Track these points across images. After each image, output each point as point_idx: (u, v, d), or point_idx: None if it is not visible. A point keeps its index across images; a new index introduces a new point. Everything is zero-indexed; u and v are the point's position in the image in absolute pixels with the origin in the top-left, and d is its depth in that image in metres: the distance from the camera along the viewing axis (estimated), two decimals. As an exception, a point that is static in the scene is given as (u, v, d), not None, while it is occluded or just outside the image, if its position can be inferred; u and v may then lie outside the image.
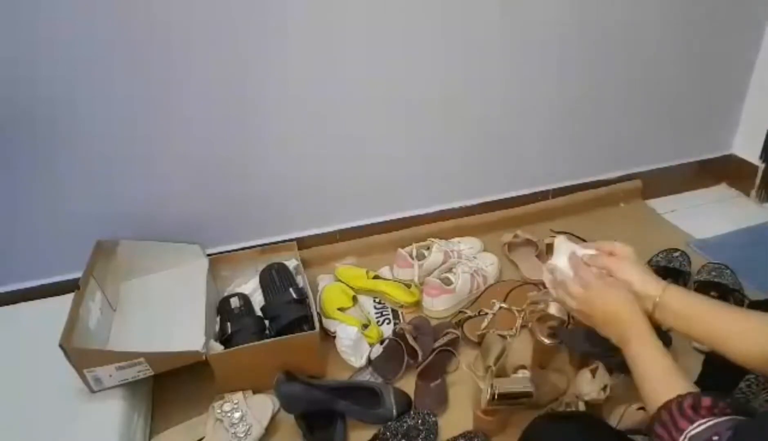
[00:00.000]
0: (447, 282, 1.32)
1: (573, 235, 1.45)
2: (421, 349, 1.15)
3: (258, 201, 1.39)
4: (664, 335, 0.77)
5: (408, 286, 1.36)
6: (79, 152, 1.20)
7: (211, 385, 1.10)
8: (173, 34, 1.14)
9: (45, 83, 1.11)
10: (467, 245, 1.50)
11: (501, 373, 1.04)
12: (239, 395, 1.08)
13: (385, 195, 1.50)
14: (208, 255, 1.36)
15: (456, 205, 1.58)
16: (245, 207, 1.39)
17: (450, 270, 1.37)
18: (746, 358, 0.68)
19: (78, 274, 1.12)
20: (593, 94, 1.52)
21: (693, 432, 0.57)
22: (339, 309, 1.27)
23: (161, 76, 1.17)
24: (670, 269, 1.32)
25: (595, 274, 0.82)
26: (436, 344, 1.18)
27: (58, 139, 1.18)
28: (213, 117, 1.25)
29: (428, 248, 1.45)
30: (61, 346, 0.94)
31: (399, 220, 1.54)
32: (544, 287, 1.34)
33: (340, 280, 1.38)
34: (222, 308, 1.27)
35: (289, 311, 1.18)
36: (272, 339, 1.14)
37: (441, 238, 1.49)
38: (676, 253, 1.37)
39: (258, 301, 1.30)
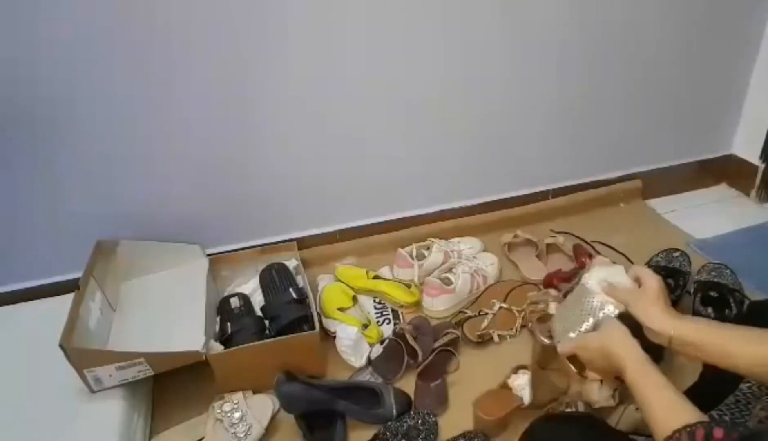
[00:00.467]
0: (447, 282, 1.32)
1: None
2: (421, 349, 1.15)
3: (258, 201, 1.39)
4: (656, 350, 0.77)
5: (408, 286, 1.36)
6: (79, 152, 1.20)
7: (211, 385, 1.10)
8: (173, 34, 1.14)
9: (45, 83, 1.11)
10: (467, 245, 1.50)
11: None
12: (239, 395, 1.08)
13: (385, 195, 1.50)
14: (208, 255, 1.36)
15: (456, 205, 1.58)
16: (245, 207, 1.39)
17: (450, 270, 1.37)
18: None
19: (78, 274, 1.12)
20: (593, 94, 1.52)
21: None
22: (339, 309, 1.27)
23: (161, 76, 1.17)
24: (670, 269, 1.32)
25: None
26: (436, 344, 1.18)
27: (58, 139, 1.18)
28: (213, 117, 1.25)
29: (428, 248, 1.45)
30: (61, 346, 0.94)
31: (399, 220, 1.54)
32: (544, 287, 1.34)
33: (340, 280, 1.38)
34: (222, 308, 1.27)
35: (289, 311, 1.18)
36: (272, 339, 1.14)
37: (441, 238, 1.49)
38: (676, 253, 1.37)
39: (258, 301, 1.30)
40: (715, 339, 0.73)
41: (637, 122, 1.62)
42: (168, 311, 1.21)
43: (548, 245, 1.49)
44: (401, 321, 1.31)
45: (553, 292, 1.29)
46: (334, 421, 1.05)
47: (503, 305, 1.29)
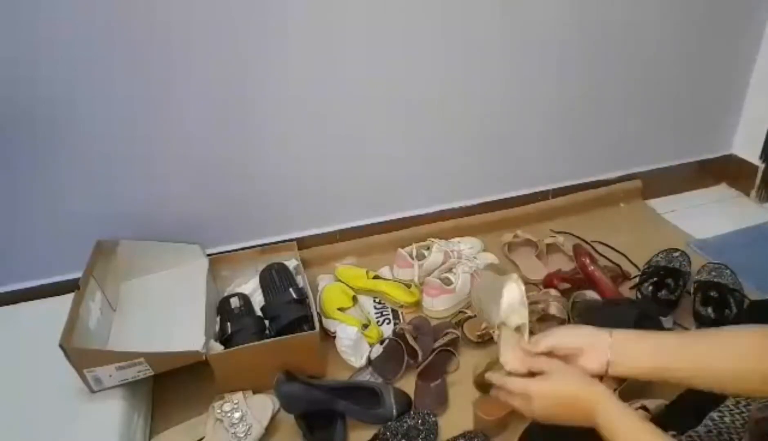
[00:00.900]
0: (447, 282, 1.32)
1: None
2: (421, 349, 1.15)
3: (258, 201, 1.39)
4: None
5: (408, 286, 1.36)
6: (79, 152, 1.20)
7: (211, 385, 1.10)
8: (173, 34, 1.14)
9: (45, 83, 1.11)
10: (467, 245, 1.50)
11: None
12: (239, 395, 1.08)
13: (385, 195, 1.50)
14: (208, 255, 1.36)
15: (456, 205, 1.58)
16: (245, 207, 1.39)
17: (450, 270, 1.37)
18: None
19: (78, 274, 1.12)
20: (593, 94, 1.52)
21: None
22: (339, 309, 1.27)
23: (161, 76, 1.17)
24: (670, 269, 1.32)
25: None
26: (436, 344, 1.18)
27: (58, 139, 1.18)
28: (213, 117, 1.25)
29: (428, 248, 1.45)
30: (61, 346, 0.94)
31: (399, 220, 1.54)
32: (544, 287, 1.34)
33: (340, 280, 1.38)
34: (222, 308, 1.27)
35: (289, 311, 1.18)
36: (272, 339, 1.14)
37: (441, 238, 1.49)
38: (676, 253, 1.37)
39: (258, 301, 1.30)
40: (660, 342, 0.70)
41: (637, 122, 1.62)
42: (168, 311, 1.21)
43: (548, 245, 1.49)
44: (401, 321, 1.31)
45: (553, 291, 1.29)
46: (334, 421, 1.05)
47: (503, 305, 1.28)
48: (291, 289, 1.24)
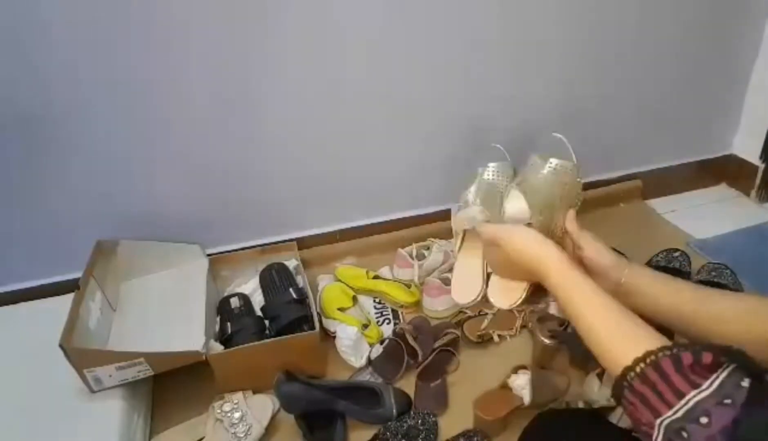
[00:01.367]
0: (447, 282, 1.32)
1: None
2: (421, 349, 1.15)
3: (258, 201, 1.39)
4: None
5: (408, 286, 1.36)
6: (79, 152, 1.20)
7: (211, 385, 1.10)
8: (173, 35, 1.13)
9: (45, 83, 1.11)
10: (467, 245, 1.50)
11: None
12: (239, 395, 1.08)
13: (385, 195, 1.50)
14: (208, 255, 1.36)
15: (456, 205, 1.57)
16: (245, 207, 1.39)
17: (450, 270, 1.37)
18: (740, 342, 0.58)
19: (78, 274, 1.12)
20: (593, 94, 1.52)
21: (700, 397, 0.47)
22: (339, 309, 1.27)
23: (161, 76, 1.17)
24: (670, 269, 1.32)
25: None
26: (436, 344, 1.18)
27: (58, 139, 1.17)
28: (213, 117, 1.25)
29: (428, 248, 1.45)
30: (61, 346, 0.94)
31: (399, 220, 1.54)
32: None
33: (340, 280, 1.38)
34: (222, 308, 1.27)
35: (289, 311, 1.18)
36: (272, 339, 1.14)
37: (441, 238, 1.49)
38: (676, 253, 1.37)
39: (258, 301, 1.30)
40: (674, 284, 0.75)
41: (637, 122, 1.62)
42: (168, 311, 1.21)
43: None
44: (401, 321, 1.31)
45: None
46: (334, 421, 1.05)
47: (503, 305, 1.29)
48: (291, 289, 1.24)
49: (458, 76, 1.37)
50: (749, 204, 1.72)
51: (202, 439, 1.04)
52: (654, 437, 0.49)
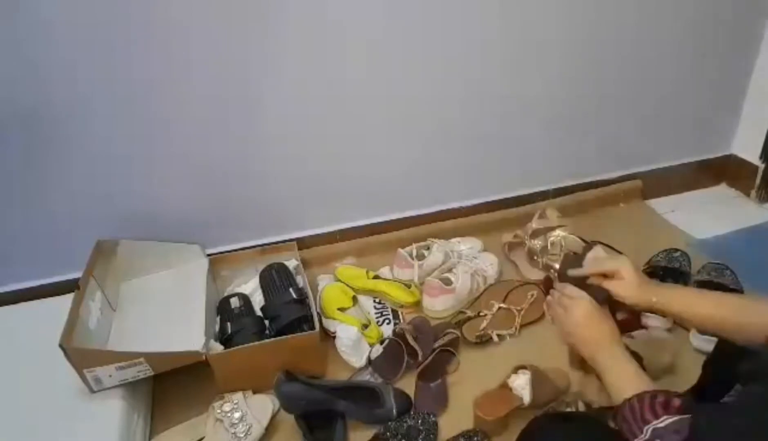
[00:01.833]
0: (447, 282, 1.32)
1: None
2: (421, 349, 1.15)
3: (258, 201, 1.39)
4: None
5: (408, 286, 1.36)
6: (79, 152, 1.20)
7: (211, 385, 1.10)
8: (173, 35, 1.14)
9: (45, 84, 1.11)
10: (467, 245, 1.50)
11: None
12: (239, 395, 1.08)
13: (385, 195, 1.50)
14: (208, 255, 1.36)
15: (456, 205, 1.58)
16: (245, 207, 1.39)
17: (450, 270, 1.37)
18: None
19: (78, 274, 1.12)
20: (593, 94, 1.52)
21: (658, 425, 0.62)
22: (339, 309, 1.27)
23: (161, 77, 1.17)
24: (670, 269, 1.32)
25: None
26: (436, 344, 1.18)
27: (59, 139, 1.18)
28: (213, 116, 1.25)
29: (428, 248, 1.45)
30: (61, 346, 0.94)
31: (399, 220, 1.54)
32: (544, 288, 1.34)
33: (340, 280, 1.38)
34: (222, 308, 1.27)
35: (289, 311, 1.18)
36: (272, 339, 1.14)
37: (441, 238, 1.49)
38: (676, 253, 1.37)
39: (258, 301, 1.30)
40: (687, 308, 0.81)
41: (637, 122, 1.62)
42: (168, 311, 1.21)
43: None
44: (401, 321, 1.31)
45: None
46: (334, 421, 1.05)
47: (502, 305, 1.29)
48: (291, 289, 1.24)
49: (458, 76, 1.38)
50: (749, 204, 1.72)
51: (202, 439, 1.04)
52: None
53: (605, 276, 0.87)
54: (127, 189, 1.28)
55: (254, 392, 1.12)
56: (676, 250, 1.38)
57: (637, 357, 0.82)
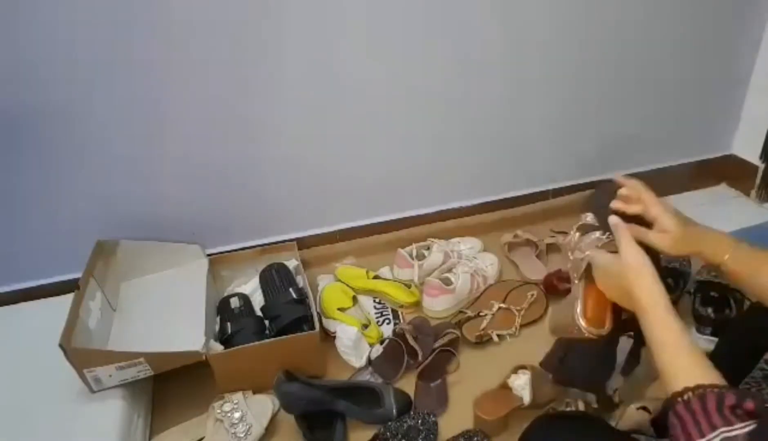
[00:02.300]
0: (447, 282, 1.32)
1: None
2: (421, 349, 1.15)
3: (258, 201, 1.39)
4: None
5: (408, 286, 1.36)
6: (79, 152, 1.20)
7: (211, 385, 1.10)
8: (173, 35, 1.14)
9: (45, 85, 1.11)
10: (467, 245, 1.50)
11: None
12: (239, 395, 1.08)
13: (385, 195, 1.50)
14: (208, 255, 1.36)
15: (456, 205, 1.58)
16: (245, 207, 1.39)
17: (450, 270, 1.37)
18: None
19: (78, 274, 1.12)
20: (593, 94, 1.52)
21: (729, 434, 0.52)
22: (339, 309, 1.27)
23: (161, 77, 1.17)
24: (670, 269, 1.32)
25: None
26: (436, 344, 1.18)
27: (59, 139, 1.18)
28: (213, 117, 1.25)
29: (428, 248, 1.45)
30: (61, 346, 0.94)
31: (399, 220, 1.54)
32: (544, 288, 1.34)
33: (340, 280, 1.38)
34: (222, 308, 1.27)
35: (289, 311, 1.18)
36: (272, 339, 1.14)
37: (441, 238, 1.49)
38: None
39: (258, 301, 1.30)
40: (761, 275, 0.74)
41: (636, 122, 1.62)
42: (168, 311, 1.21)
43: (548, 245, 1.49)
44: (401, 321, 1.31)
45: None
46: (334, 421, 1.05)
47: (502, 305, 1.29)
48: (291, 289, 1.24)
49: (458, 76, 1.37)
50: (749, 204, 1.72)
51: (202, 439, 1.04)
52: None
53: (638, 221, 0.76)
54: (128, 189, 1.28)
55: (254, 392, 1.12)
56: (676, 250, 1.38)
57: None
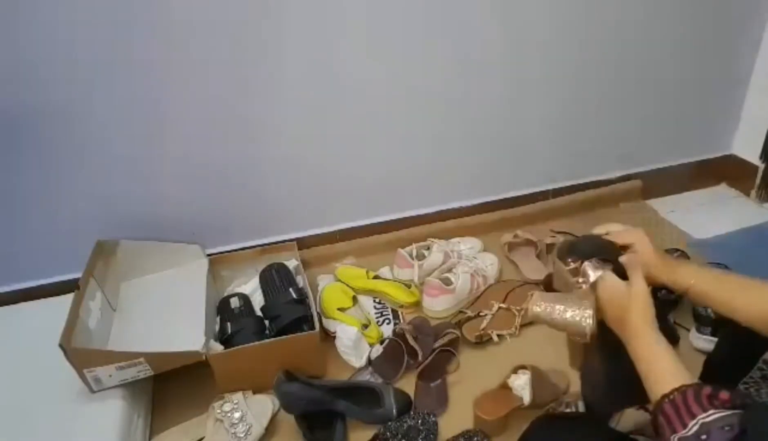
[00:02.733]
0: (447, 282, 1.32)
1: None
2: (421, 349, 1.15)
3: (258, 201, 1.39)
4: (671, 333, 0.77)
5: (408, 286, 1.36)
6: (79, 153, 1.20)
7: (211, 385, 1.10)
8: (173, 35, 1.14)
9: (46, 85, 1.11)
10: (467, 245, 1.50)
11: None
12: (239, 395, 1.08)
13: (385, 195, 1.50)
14: (208, 255, 1.36)
15: (456, 205, 1.58)
16: (245, 207, 1.39)
17: (450, 270, 1.37)
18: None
19: (78, 274, 1.12)
20: (593, 94, 1.52)
21: (705, 419, 0.57)
22: (339, 309, 1.27)
23: (161, 77, 1.17)
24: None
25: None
26: (436, 344, 1.18)
27: (59, 140, 1.18)
28: (213, 117, 1.25)
29: (428, 248, 1.45)
30: (61, 346, 0.94)
31: (399, 220, 1.54)
32: (544, 288, 1.34)
33: (340, 280, 1.38)
34: (222, 308, 1.27)
35: (289, 311, 1.18)
36: (272, 339, 1.14)
37: (441, 238, 1.49)
38: (676, 253, 1.37)
39: (258, 301, 1.30)
40: (723, 292, 0.79)
41: (636, 122, 1.62)
42: (168, 311, 1.21)
43: (548, 245, 1.49)
44: (401, 321, 1.31)
45: None
46: (334, 421, 1.05)
47: (502, 305, 1.29)
48: (291, 289, 1.24)
49: (458, 76, 1.37)
50: (749, 204, 1.72)
51: (202, 439, 1.04)
52: None
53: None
54: (128, 189, 1.28)
55: (254, 392, 1.12)
56: (676, 250, 1.38)
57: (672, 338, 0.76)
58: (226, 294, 1.32)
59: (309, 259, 1.45)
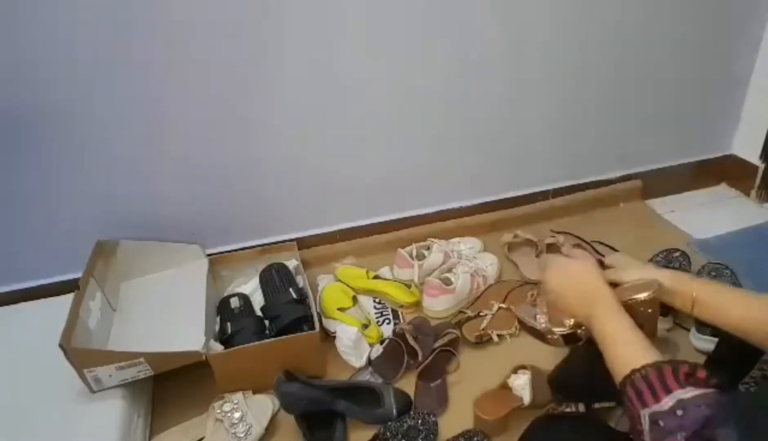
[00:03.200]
0: (447, 282, 1.32)
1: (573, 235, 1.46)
2: (421, 349, 1.15)
3: (258, 201, 1.39)
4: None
5: (408, 286, 1.36)
6: (79, 152, 1.20)
7: (211, 385, 1.10)
8: (173, 35, 1.14)
9: (46, 85, 1.11)
10: (467, 245, 1.50)
11: None
12: (239, 395, 1.08)
13: (385, 195, 1.50)
14: (208, 255, 1.36)
15: (456, 205, 1.58)
16: (245, 207, 1.39)
17: (450, 270, 1.37)
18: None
19: (78, 274, 1.12)
20: (593, 94, 1.52)
21: (683, 396, 0.56)
22: (339, 309, 1.27)
23: (161, 77, 1.17)
24: (670, 270, 1.32)
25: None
26: (436, 344, 1.18)
27: (59, 139, 1.18)
28: (213, 117, 1.25)
29: (428, 248, 1.45)
30: (61, 346, 0.94)
31: (399, 220, 1.54)
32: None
33: (340, 280, 1.38)
34: (222, 308, 1.27)
35: (289, 311, 1.18)
36: (272, 339, 1.14)
37: (441, 238, 1.49)
38: (676, 253, 1.37)
39: (258, 301, 1.30)
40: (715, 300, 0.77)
41: (637, 122, 1.62)
42: (168, 311, 1.21)
43: (548, 245, 1.48)
44: (401, 321, 1.31)
45: None
46: (334, 421, 1.05)
47: (502, 306, 1.29)
48: (291, 289, 1.24)
49: (458, 76, 1.37)
50: (749, 204, 1.72)
51: (202, 439, 1.04)
52: (641, 430, 0.58)
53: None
54: (127, 189, 1.28)
55: (254, 392, 1.12)
56: (676, 250, 1.38)
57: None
58: (226, 294, 1.32)
59: (309, 259, 1.45)
